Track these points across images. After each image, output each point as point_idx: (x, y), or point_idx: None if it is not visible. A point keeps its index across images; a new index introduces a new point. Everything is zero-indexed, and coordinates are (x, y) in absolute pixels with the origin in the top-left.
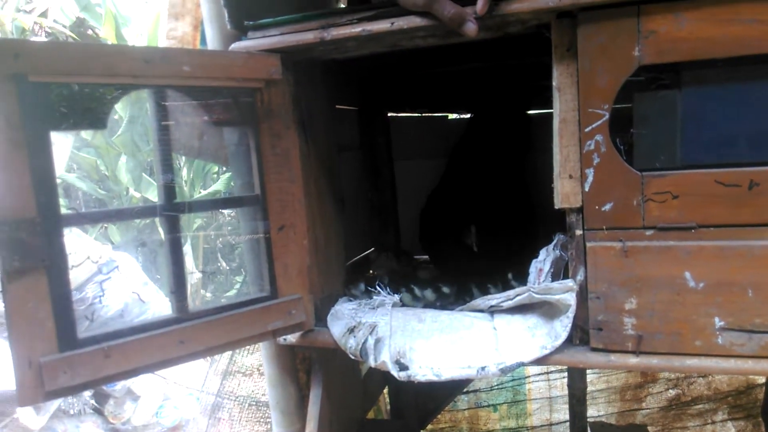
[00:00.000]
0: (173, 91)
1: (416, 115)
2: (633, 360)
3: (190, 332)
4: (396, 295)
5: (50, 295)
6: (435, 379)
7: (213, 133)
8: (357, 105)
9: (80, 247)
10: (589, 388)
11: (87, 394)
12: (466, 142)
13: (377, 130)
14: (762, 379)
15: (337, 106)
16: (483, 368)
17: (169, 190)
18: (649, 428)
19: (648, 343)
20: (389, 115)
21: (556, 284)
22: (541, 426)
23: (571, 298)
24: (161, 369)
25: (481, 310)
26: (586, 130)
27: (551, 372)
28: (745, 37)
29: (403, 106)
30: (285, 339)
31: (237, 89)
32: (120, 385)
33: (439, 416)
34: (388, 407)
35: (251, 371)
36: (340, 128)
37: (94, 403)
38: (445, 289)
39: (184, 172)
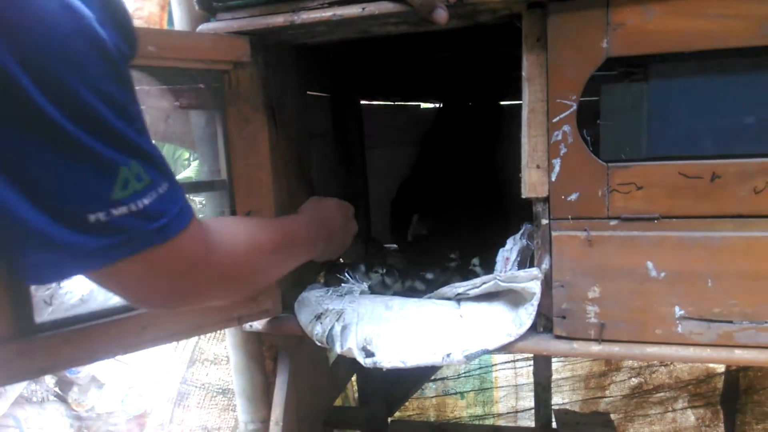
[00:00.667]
0: (138, 72)
1: (389, 103)
2: (595, 348)
3: (153, 318)
4: (364, 282)
5: (6, 279)
6: (401, 365)
7: (179, 116)
8: (329, 91)
9: None
10: (555, 376)
11: (50, 381)
12: (437, 132)
13: (349, 117)
14: (722, 368)
15: (308, 92)
16: (448, 355)
17: None
18: (611, 416)
19: (610, 331)
20: (362, 102)
21: (521, 272)
22: (507, 413)
23: (536, 287)
24: (123, 354)
25: (448, 298)
26: (554, 120)
27: (518, 360)
28: (711, 31)
29: (376, 93)
30: (251, 326)
31: (204, 71)
32: (84, 373)
33: (407, 404)
34: (356, 395)
35: (220, 359)
36: (312, 114)
37: (58, 391)
38: (416, 280)
39: None
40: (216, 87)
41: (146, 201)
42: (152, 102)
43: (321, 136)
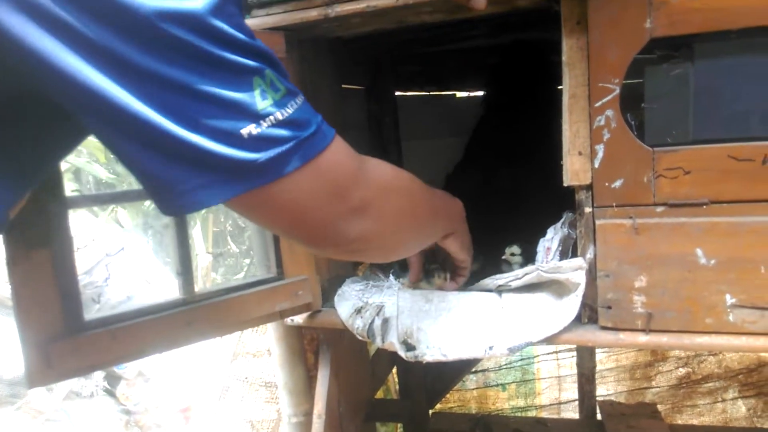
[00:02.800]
0: None
1: (424, 93)
2: (643, 338)
3: (197, 313)
4: (401, 278)
5: (56, 278)
6: (442, 359)
7: None
8: (364, 84)
9: (87, 230)
10: (599, 367)
11: (99, 376)
12: (486, 121)
13: (384, 109)
14: None
15: (343, 85)
16: (491, 348)
17: None
18: (658, 407)
19: (658, 321)
20: (397, 94)
21: (564, 263)
22: (550, 405)
23: (580, 277)
24: (169, 350)
25: (489, 290)
26: (596, 105)
27: (560, 351)
28: (758, 7)
29: (411, 84)
30: (292, 320)
31: None
32: (131, 368)
33: (447, 396)
34: (397, 387)
35: (261, 353)
36: (347, 107)
37: (107, 385)
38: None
39: None
40: None
41: (289, 110)
42: None
43: (356, 129)
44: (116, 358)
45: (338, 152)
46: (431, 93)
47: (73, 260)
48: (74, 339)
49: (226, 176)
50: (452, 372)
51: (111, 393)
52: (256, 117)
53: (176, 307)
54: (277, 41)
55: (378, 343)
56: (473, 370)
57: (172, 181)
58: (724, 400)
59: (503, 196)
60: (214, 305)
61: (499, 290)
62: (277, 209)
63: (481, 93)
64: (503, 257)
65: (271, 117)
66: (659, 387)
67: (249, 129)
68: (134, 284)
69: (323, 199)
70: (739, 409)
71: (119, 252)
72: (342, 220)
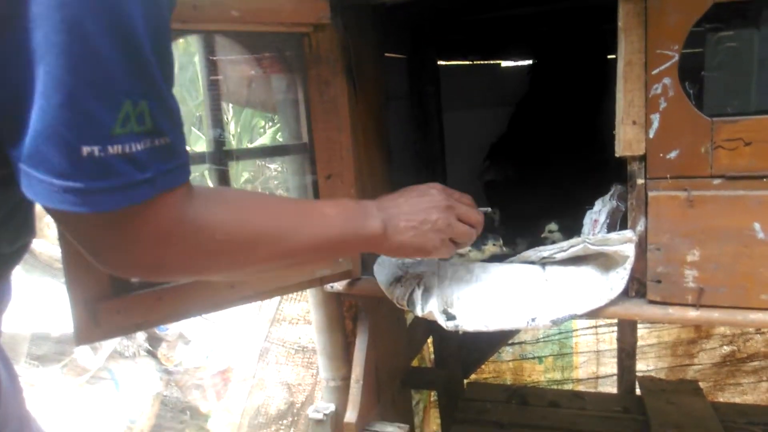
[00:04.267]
0: (222, 38)
1: (467, 63)
2: (693, 313)
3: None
4: None
5: None
6: (483, 329)
7: (261, 82)
8: (406, 53)
9: None
10: (639, 343)
11: (141, 337)
12: (535, 90)
13: (426, 78)
14: None
15: (386, 54)
16: (533, 319)
17: (218, 143)
18: (700, 384)
19: (709, 296)
20: (440, 63)
21: (613, 235)
22: (588, 379)
23: (629, 250)
24: (212, 312)
25: (532, 262)
26: (653, 72)
27: (600, 326)
28: None
29: (454, 53)
30: (332, 287)
31: (286, 35)
32: (172, 330)
33: (483, 366)
34: (432, 356)
35: (297, 320)
36: (389, 77)
37: (148, 346)
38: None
39: (232, 126)
40: (297, 50)
41: (139, 146)
42: (235, 68)
43: (398, 99)
44: (161, 318)
45: (164, 204)
46: (475, 62)
47: None
48: (121, 299)
49: (49, 185)
50: (488, 343)
51: (153, 354)
52: (106, 140)
53: None
54: (321, 7)
55: (418, 311)
56: (509, 342)
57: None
58: None
59: (548, 173)
60: None
61: (543, 262)
62: (77, 236)
63: (527, 62)
64: (542, 235)
65: (119, 146)
66: (702, 364)
67: (92, 149)
68: None
69: (124, 244)
70: None
71: None
72: (147, 266)
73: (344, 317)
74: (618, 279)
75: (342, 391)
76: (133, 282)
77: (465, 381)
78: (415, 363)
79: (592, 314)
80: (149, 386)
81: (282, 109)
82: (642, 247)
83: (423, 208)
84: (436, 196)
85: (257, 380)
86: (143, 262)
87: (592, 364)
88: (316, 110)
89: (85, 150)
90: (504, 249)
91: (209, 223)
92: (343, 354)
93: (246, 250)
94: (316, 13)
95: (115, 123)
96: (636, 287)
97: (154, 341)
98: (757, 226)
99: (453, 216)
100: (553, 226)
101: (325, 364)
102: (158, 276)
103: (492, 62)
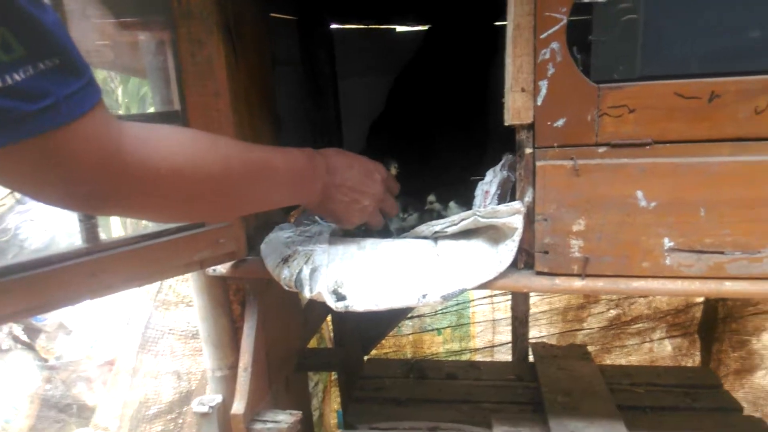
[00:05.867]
0: None
1: (362, 27)
2: (578, 283)
3: (103, 264)
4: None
5: None
6: (374, 308)
7: (127, 43)
8: (296, 14)
9: None
10: (532, 310)
11: (17, 328)
12: (419, 59)
13: (319, 43)
14: (701, 298)
15: (272, 15)
16: (424, 296)
17: None
18: (589, 347)
19: (594, 266)
20: (333, 27)
21: (502, 207)
22: (484, 348)
23: (517, 221)
24: (71, 304)
25: (425, 237)
26: (542, 36)
27: (495, 296)
28: None
29: (348, 16)
30: (214, 270)
31: None
32: (51, 319)
33: (383, 342)
34: (332, 335)
35: (190, 299)
36: (277, 39)
37: (26, 339)
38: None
39: (119, 94)
40: (162, 4)
41: (17, 77)
42: (93, 27)
43: (288, 65)
44: (11, 314)
45: (87, 126)
46: (370, 27)
47: None
48: None
49: None
50: (387, 318)
51: (30, 347)
52: None
53: (79, 257)
54: None
55: (306, 293)
56: (409, 315)
57: None
58: (651, 341)
59: (431, 146)
60: (124, 254)
61: (435, 237)
62: (8, 177)
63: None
64: (426, 207)
65: None
66: (590, 329)
67: None
68: (53, 234)
69: (49, 178)
70: (665, 349)
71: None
72: (99, 194)
73: (231, 301)
74: (507, 251)
75: (230, 381)
76: None
77: (365, 358)
78: (313, 343)
79: (482, 287)
80: (26, 382)
81: (151, 74)
82: (530, 218)
83: (361, 189)
84: (378, 184)
85: (141, 370)
86: (76, 192)
87: (489, 333)
88: (188, 73)
89: None
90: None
91: (149, 153)
92: (230, 341)
93: (184, 195)
94: None
95: None
96: (525, 259)
97: (32, 332)
98: (639, 194)
99: (378, 205)
100: (432, 197)
101: (211, 353)
102: (103, 210)
103: (386, 27)
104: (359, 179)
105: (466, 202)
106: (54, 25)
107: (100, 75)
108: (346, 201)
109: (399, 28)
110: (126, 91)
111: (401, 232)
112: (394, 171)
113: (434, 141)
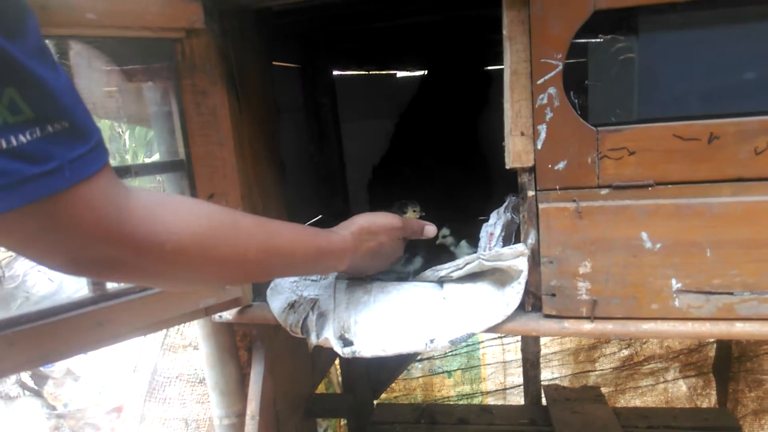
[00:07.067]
0: (79, 44)
1: (363, 73)
2: (587, 326)
3: (109, 313)
4: None
5: None
6: (381, 354)
7: (131, 92)
8: (299, 62)
9: None
10: (543, 351)
11: (23, 376)
12: (417, 103)
13: (322, 89)
14: None
15: (275, 63)
16: (432, 341)
17: None
18: (602, 389)
19: (603, 308)
20: (335, 73)
21: (506, 249)
22: (496, 390)
23: (522, 264)
24: (77, 354)
25: (431, 281)
26: (539, 82)
27: (505, 337)
28: None
29: (349, 63)
30: (220, 316)
31: (153, 40)
32: (59, 366)
33: (393, 385)
34: (340, 379)
35: (198, 344)
36: (281, 87)
37: (33, 385)
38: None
39: (126, 139)
40: (167, 57)
41: (23, 138)
42: (98, 77)
43: (291, 112)
44: (14, 366)
45: (91, 190)
46: (371, 72)
47: None
48: None
49: None
50: (397, 362)
51: (38, 393)
52: None
53: (85, 307)
54: (193, 10)
55: (313, 340)
56: (418, 358)
57: None
58: (665, 381)
59: (435, 187)
60: (130, 303)
61: (441, 281)
62: (10, 242)
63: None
64: (437, 242)
65: None
66: (603, 369)
67: None
68: (62, 279)
69: (52, 244)
70: (680, 389)
71: None
72: (82, 266)
73: (238, 347)
74: (513, 294)
75: (238, 429)
76: None
77: (375, 402)
78: (321, 388)
79: (490, 331)
80: (35, 430)
81: (156, 123)
82: (535, 260)
83: (385, 252)
84: (399, 245)
85: (148, 417)
86: (79, 259)
87: (500, 375)
88: (192, 123)
89: None
90: (422, 212)
91: (148, 232)
92: (237, 388)
93: (190, 275)
94: (187, 16)
95: None
96: (532, 301)
97: (40, 379)
98: (644, 235)
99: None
100: (445, 231)
101: (218, 400)
102: (108, 277)
103: (387, 72)
104: (383, 254)
105: (477, 242)
106: (64, 88)
107: (106, 121)
108: (370, 265)
109: (399, 74)
110: (133, 135)
111: (406, 276)
112: (412, 214)
113: (435, 181)
